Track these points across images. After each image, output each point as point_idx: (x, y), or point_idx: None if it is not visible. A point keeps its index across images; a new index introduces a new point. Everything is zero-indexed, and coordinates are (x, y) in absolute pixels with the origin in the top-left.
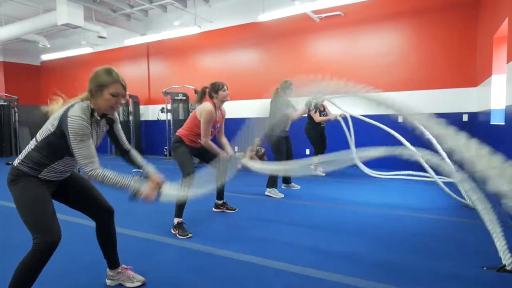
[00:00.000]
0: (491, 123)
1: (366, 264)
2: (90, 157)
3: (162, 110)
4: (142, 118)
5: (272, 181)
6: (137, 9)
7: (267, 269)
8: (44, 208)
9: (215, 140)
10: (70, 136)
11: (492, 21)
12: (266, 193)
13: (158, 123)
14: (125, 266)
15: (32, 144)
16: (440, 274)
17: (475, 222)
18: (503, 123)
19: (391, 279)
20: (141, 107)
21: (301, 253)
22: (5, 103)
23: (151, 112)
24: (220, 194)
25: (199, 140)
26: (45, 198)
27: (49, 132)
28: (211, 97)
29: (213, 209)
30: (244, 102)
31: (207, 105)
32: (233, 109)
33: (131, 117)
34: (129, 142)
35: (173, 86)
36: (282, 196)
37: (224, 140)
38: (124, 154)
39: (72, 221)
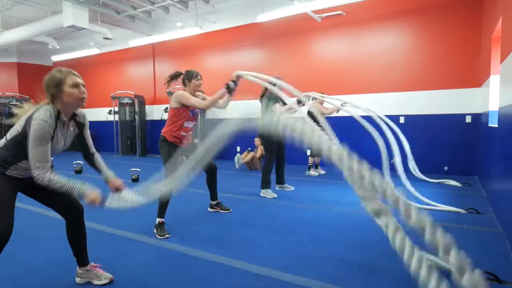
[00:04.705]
0: (488, 125)
1: (344, 268)
2: (43, 161)
3: (165, 110)
4: (148, 118)
5: (265, 182)
6: (140, 11)
7: (236, 270)
8: None
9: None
10: (30, 137)
11: (490, 20)
12: (261, 194)
13: (163, 122)
14: (94, 264)
15: (1, 142)
16: (411, 278)
17: (462, 227)
18: (497, 125)
19: (361, 284)
20: (147, 107)
21: (280, 255)
22: (18, 103)
23: (156, 112)
24: (213, 194)
25: (182, 133)
26: (4, 194)
27: (17, 133)
28: (184, 85)
29: (208, 209)
30: (246, 102)
31: (176, 92)
32: (235, 109)
33: (136, 117)
34: (135, 142)
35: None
36: (276, 196)
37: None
38: (89, 157)
39: (51, 216)
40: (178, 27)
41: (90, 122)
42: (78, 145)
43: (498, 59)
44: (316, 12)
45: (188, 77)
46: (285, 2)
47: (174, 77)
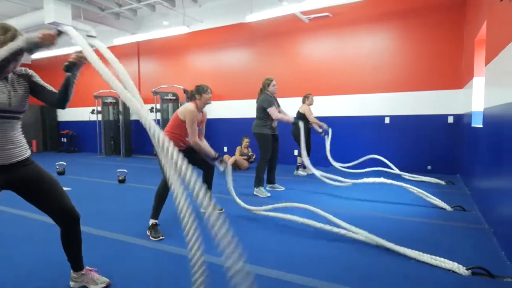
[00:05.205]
0: (472, 126)
1: (336, 267)
2: None
3: (151, 110)
4: (133, 118)
5: (258, 180)
6: (126, 8)
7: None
8: None
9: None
10: None
11: (474, 24)
12: (255, 192)
13: None
14: (90, 268)
15: None
16: (408, 277)
17: (450, 224)
18: (481, 126)
19: (359, 283)
20: None
21: (273, 255)
22: None
23: None
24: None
25: (181, 143)
26: None
27: None
28: (193, 99)
29: (201, 209)
30: (233, 102)
31: (188, 106)
32: (222, 109)
33: (120, 117)
34: (118, 142)
35: (162, 86)
36: (269, 195)
37: (204, 143)
38: (59, 101)
39: (38, 219)
40: (163, 26)
41: (71, 121)
42: (44, 99)
43: (481, 61)
44: (304, 13)
45: (199, 92)
46: (274, 2)
47: (191, 96)
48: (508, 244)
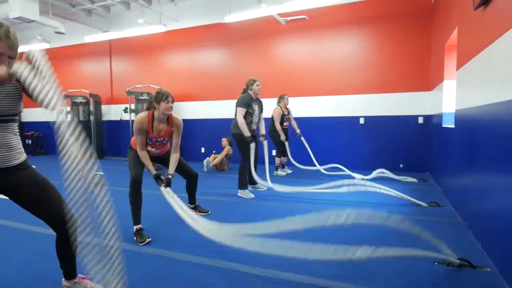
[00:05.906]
0: (443, 126)
1: (327, 264)
2: None
3: (125, 110)
4: (104, 118)
5: (241, 182)
6: (98, 5)
7: (232, 271)
8: None
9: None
10: None
11: (444, 30)
12: (239, 194)
13: (121, 123)
14: (82, 276)
15: None
16: (396, 270)
17: (429, 219)
18: (453, 126)
19: (351, 278)
20: (103, 106)
21: (265, 255)
22: None
23: (113, 112)
24: (192, 199)
25: (148, 147)
26: None
27: None
28: (150, 108)
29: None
30: (210, 103)
31: (140, 114)
32: (200, 110)
33: (92, 117)
34: (90, 143)
35: (137, 86)
36: (253, 196)
37: (174, 159)
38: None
39: (25, 228)
40: (137, 24)
41: (36, 122)
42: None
43: (452, 65)
44: (281, 15)
45: (157, 99)
46: (252, 3)
47: (149, 104)
48: (484, 237)
